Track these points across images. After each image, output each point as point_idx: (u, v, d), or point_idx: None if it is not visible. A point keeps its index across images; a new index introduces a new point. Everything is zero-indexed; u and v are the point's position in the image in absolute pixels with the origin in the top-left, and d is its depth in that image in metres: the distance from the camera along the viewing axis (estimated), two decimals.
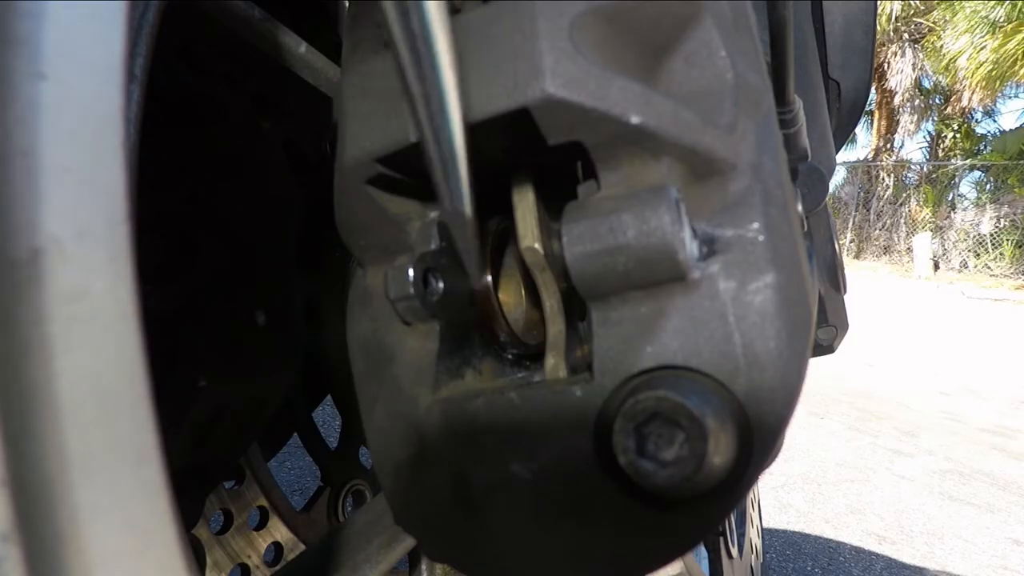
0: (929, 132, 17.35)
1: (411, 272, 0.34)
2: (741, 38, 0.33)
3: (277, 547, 1.08)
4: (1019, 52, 12.58)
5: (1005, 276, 13.31)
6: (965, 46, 13.53)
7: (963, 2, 13.87)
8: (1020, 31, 12.42)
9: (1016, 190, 14.33)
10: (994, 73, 13.06)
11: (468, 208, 0.27)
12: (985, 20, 13.21)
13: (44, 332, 0.16)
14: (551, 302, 0.35)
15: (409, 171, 0.35)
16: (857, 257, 16.11)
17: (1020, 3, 12.54)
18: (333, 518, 1.13)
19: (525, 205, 0.34)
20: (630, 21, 0.31)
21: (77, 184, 0.18)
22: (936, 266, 14.39)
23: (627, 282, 0.30)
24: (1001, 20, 12.88)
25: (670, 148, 0.30)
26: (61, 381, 0.16)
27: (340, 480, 1.15)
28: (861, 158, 18.16)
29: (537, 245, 0.33)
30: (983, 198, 15.33)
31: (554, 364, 0.34)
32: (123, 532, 0.17)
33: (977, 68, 13.42)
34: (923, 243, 14.30)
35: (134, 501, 0.18)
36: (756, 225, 0.30)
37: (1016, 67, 12.79)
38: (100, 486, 0.17)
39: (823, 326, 1.24)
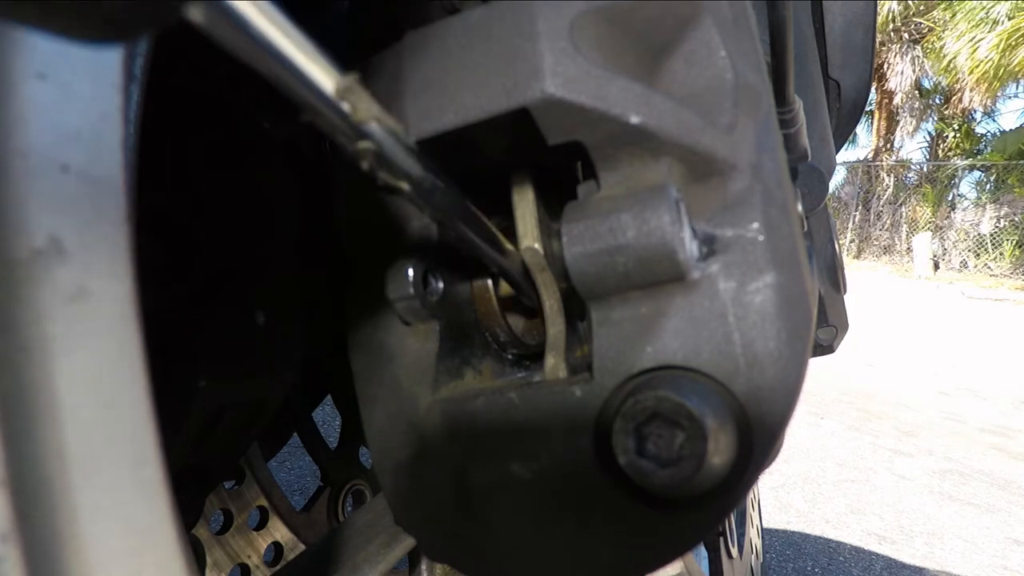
0: (929, 132, 17.36)
1: (411, 272, 0.34)
2: (741, 38, 0.33)
3: (277, 547, 1.08)
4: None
5: (1005, 276, 13.31)
6: (964, 44, 13.52)
7: (963, 1, 13.87)
8: (1020, 31, 12.43)
9: (1016, 190, 14.32)
10: (996, 69, 13.05)
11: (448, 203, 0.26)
12: (984, 20, 13.21)
13: (44, 332, 0.16)
14: (551, 302, 0.35)
15: None
16: (857, 257, 16.12)
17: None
18: (333, 518, 1.13)
19: (525, 205, 0.34)
20: (630, 21, 0.31)
21: (76, 184, 0.18)
22: (936, 266, 14.39)
23: (627, 282, 0.30)
24: (1001, 18, 12.87)
25: (670, 148, 0.30)
26: (61, 381, 0.16)
27: (340, 480, 1.14)
28: (861, 158, 18.17)
29: (537, 245, 0.33)
30: (983, 198, 15.34)
31: (554, 364, 0.34)
32: (123, 532, 0.17)
33: (976, 67, 13.42)
34: (923, 243, 14.30)
35: (134, 501, 0.18)
36: (756, 225, 0.30)
37: (1016, 69, 12.80)
38: (100, 486, 0.17)
39: (823, 326, 1.23)
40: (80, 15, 0.13)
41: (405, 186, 0.24)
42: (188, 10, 0.16)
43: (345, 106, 0.20)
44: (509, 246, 0.33)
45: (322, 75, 0.19)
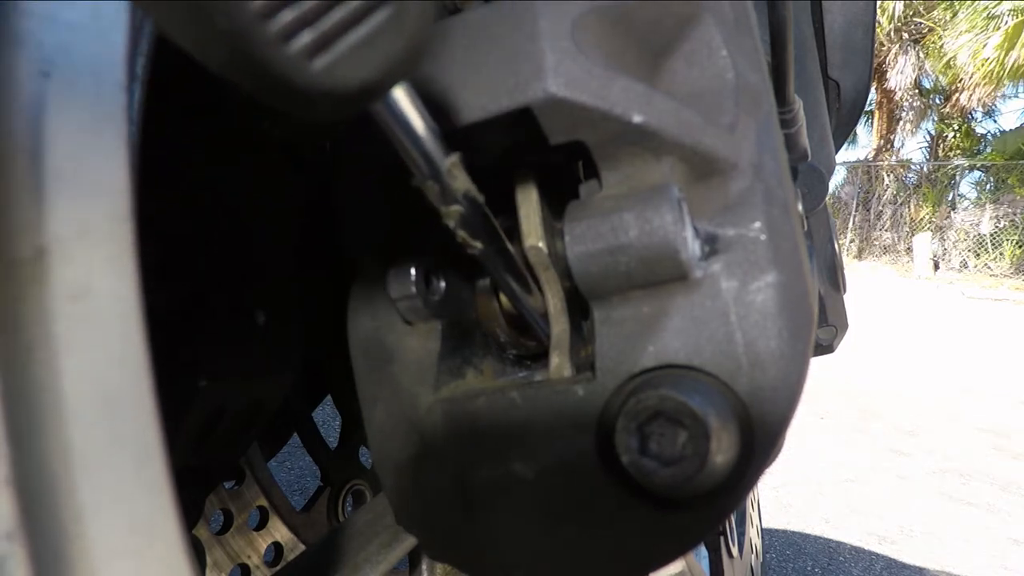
0: (929, 132, 17.35)
1: (413, 272, 0.34)
2: (742, 38, 0.33)
3: (277, 547, 1.08)
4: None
5: (1005, 276, 13.30)
6: (967, 43, 13.51)
7: (964, 1, 13.87)
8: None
9: (1016, 190, 14.31)
10: (1000, 68, 13.01)
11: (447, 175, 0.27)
12: (987, 19, 13.20)
13: (48, 331, 0.16)
14: (555, 301, 0.35)
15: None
16: (858, 257, 16.11)
17: None
18: (333, 518, 1.13)
19: (529, 204, 0.34)
20: (632, 21, 0.31)
21: (80, 182, 0.18)
22: (936, 266, 14.37)
23: (629, 281, 0.30)
24: (1005, 15, 12.85)
25: (672, 147, 0.30)
26: (65, 380, 0.16)
27: (340, 480, 1.14)
28: (861, 158, 18.16)
29: (541, 244, 0.33)
30: (983, 198, 15.33)
31: (558, 363, 0.34)
32: (126, 530, 0.17)
33: (980, 67, 13.41)
34: (923, 243, 14.28)
35: (137, 499, 0.18)
36: (758, 224, 0.30)
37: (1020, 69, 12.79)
38: (103, 484, 0.17)
39: (823, 326, 1.23)
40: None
41: (479, 245, 0.29)
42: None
43: (447, 178, 0.26)
44: (534, 287, 0.35)
45: (438, 153, 0.26)
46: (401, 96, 0.24)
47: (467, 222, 0.28)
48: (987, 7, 13.28)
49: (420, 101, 0.25)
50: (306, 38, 0.17)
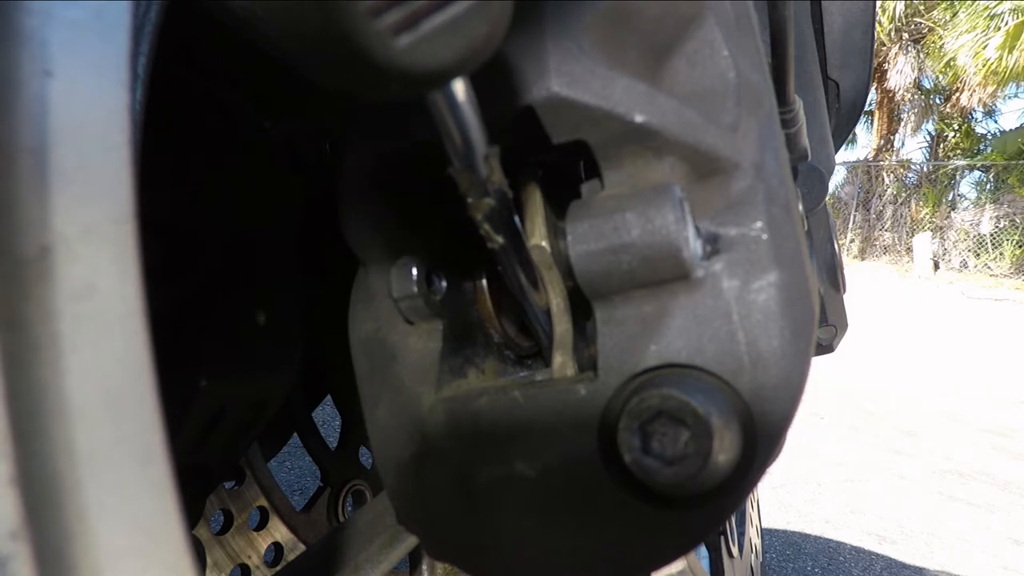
0: (929, 132, 17.34)
1: (415, 271, 0.34)
2: (743, 37, 0.33)
3: (277, 547, 1.08)
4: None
5: (1005, 276, 13.29)
6: (967, 43, 13.50)
7: (964, 1, 13.87)
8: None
9: (1016, 190, 14.31)
10: (1000, 69, 13.00)
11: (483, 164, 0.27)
12: (988, 19, 13.19)
13: (52, 330, 0.16)
14: (557, 300, 0.35)
15: (415, 171, 0.35)
16: (858, 257, 16.11)
17: None
18: (333, 518, 1.13)
19: (532, 203, 0.34)
20: (634, 21, 0.31)
21: (84, 181, 0.18)
22: (936, 266, 14.36)
23: (631, 281, 0.30)
24: (1005, 15, 12.84)
25: (673, 147, 0.30)
26: (69, 379, 0.16)
27: (340, 480, 1.14)
28: (861, 158, 18.16)
29: (545, 243, 0.33)
30: (983, 198, 15.32)
31: (561, 362, 0.34)
32: (130, 530, 0.17)
33: (981, 68, 13.39)
34: (923, 243, 14.28)
35: (141, 499, 0.18)
36: (759, 224, 0.30)
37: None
38: (107, 484, 0.17)
39: (823, 325, 1.24)
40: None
41: (500, 240, 0.29)
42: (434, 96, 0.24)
43: (484, 169, 0.26)
44: (541, 288, 0.35)
45: (481, 145, 0.26)
46: (459, 84, 0.24)
47: (493, 216, 0.28)
48: (987, 7, 13.28)
49: (473, 91, 0.25)
50: (395, 15, 0.17)
